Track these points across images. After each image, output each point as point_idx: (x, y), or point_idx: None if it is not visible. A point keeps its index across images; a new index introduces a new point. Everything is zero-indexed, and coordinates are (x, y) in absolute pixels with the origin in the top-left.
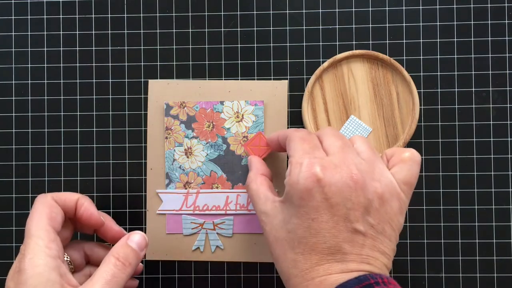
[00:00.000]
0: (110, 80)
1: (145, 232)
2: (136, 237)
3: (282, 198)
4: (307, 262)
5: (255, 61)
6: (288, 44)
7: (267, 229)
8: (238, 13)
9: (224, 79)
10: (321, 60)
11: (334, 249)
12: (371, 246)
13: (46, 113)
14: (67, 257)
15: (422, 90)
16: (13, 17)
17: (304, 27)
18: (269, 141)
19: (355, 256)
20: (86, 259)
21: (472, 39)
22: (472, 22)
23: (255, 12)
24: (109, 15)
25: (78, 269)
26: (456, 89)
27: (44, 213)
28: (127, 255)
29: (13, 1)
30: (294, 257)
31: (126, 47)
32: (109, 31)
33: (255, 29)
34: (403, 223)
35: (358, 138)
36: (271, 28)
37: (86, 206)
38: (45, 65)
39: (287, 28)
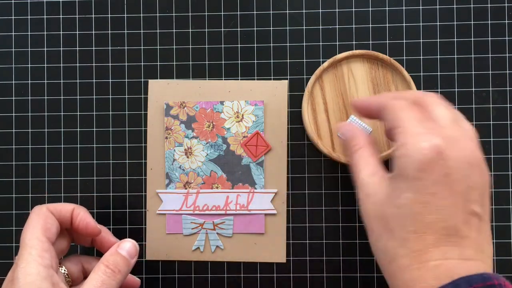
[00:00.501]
0: (110, 80)
1: (145, 232)
2: (126, 245)
3: (391, 174)
4: (421, 242)
5: (255, 61)
6: (288, 44)
7: (369, 203)
8: (238, 13)
9: (224, 79)
10: (321, 60)
11: (452, 230)
12: (485, 232)
13: (46, 113)
14: (64, 270)
15: (422, 90)
16: (13, 17)
17: (304, 27)
18: (361, 105)
19: (472, 241)
20: (84, 273)
21: (472, 39)
22: (472, 22)
23: (255, 12)
24: (109, 15)
25: (76, 282)
26: (456, 89)
27: (39, 224)
28: (117, 262)
29: (13, 1)
30: (405, 235)
31: (126, 47)
32: (109, 31)
33: (255, 29)
34: None
35: (457, 112)
36: (271, 28)
37: (82, 215)
38: (45, 65)
39: (287, 28)
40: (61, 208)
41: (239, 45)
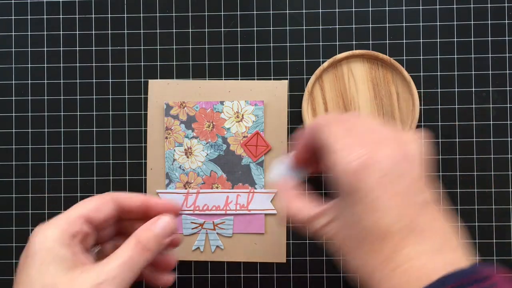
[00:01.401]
0: (110, 80)
1: None
2: (161, 223)
3: (337, 198)
4: (383, 250)
5: (255, 61)
6: (288, 44)
7: (334, 236)
8: (238, 13)
9: (224, 79)
10: (321, 60)
11: (410, 227)
12: (444, 218)
13: (46, 113)
14: (97, 248)
15: (422, 90)
16: (13, 17)
17: (304, 27)
18: (298, 156)
19: (435, 231)
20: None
21: (472, 39)
22: (472, 22)
23: (255, 12)
24: (109, 15)
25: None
26: (456, 89)
27: (90, 205)
28: (149, 240)
29: (13, 1)
30: (368, 248)
31: (126, 47)
32: (109, 31)
33: (255, 29)
34: None
35: (369, 119)
36: (271, 28)
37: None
38: (45, 65)
39: (287, 28)
40: (130, 200)
41: (239, 45)
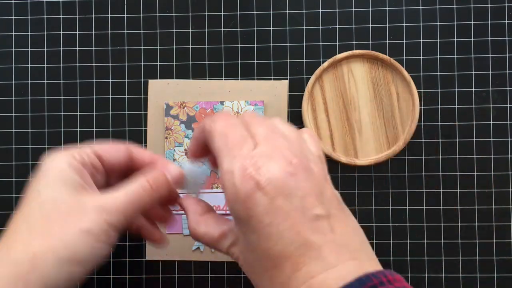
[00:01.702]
0: (110, 80)
1: None
2: (173, 171)
3: (233, 222)
4: (282, 273)
5: (255, 61)
6: (288, 44)
7: (240, 261)
8: (238, 13)
9: (224, 79)
10: (321, 60)
11: (305, 247)
12: (343, 227)
13: (46, 113)
14: None
15: (422, 90)
16: (13, 17)
17: (304, 27)
18: (193, 150)
19: (331, 245)
20: None
21: (472, 39)
22: (472, 22)
23: (255, 12)
24: (109, 15)
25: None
26: (456, 89)
27: (104, 147)
28: (159, 182)
29: (13, 1)
30: (268, 274)
31: (126, 47)
32: (109, 31)
33: (255, 29)
34: None
35: (275, 119)
36: (271, 28)
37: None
38: (45, 65)
39: (287, 28)
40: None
41: (239, 45)
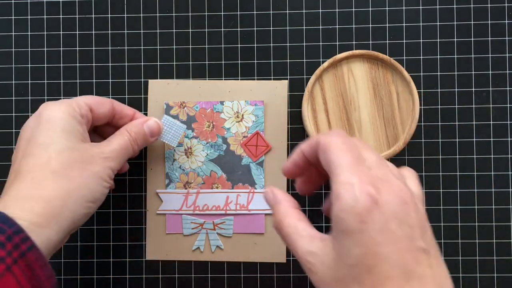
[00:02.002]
0: (110, 80)
1: (145, 232)
2: (151, 124)
3: (333, 232)
4: None
5: (255, 61)
6: (288, 44)
7: (318, 271)
8: (238, 13)
9: (224, 79)
10: (321, 60)
11: (409, 274)
12: (438, 266)
13: None
14: None
15: (422, 90)
16: (13, 17)
17: (304, 27)
18: (293, 162)
19: (430, 281)
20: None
21: (472, 39)
22: (472, 22)
23: (255, 12)
24: (109, 15)
25: None
26: (456, 89)
27: (95, 99)
28: (138, 134)
29: (13, 1)
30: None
31: (126, 47)
32: (109, 31)
33: (255, 29)
34: None
35: (372, 150)
36: (271, 28)
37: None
38: (45, 65)
39: (287, 28)
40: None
41: (239, 45)
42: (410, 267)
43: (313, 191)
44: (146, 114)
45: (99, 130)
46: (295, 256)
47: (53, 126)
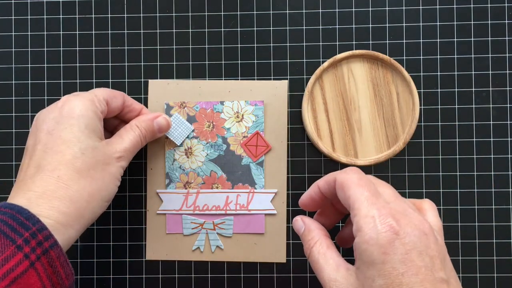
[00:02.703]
0: (110, 80)
1: (145, 232)
2: (161, 121)
3: (356, 263)
4: None
5: (255, 61)
6: (288, 44)
7: None
8: (238, 13)
9: (224, 79)
10: (321, 60)
11: None
12: None
13: None
14: None
15: (422, 90)
16: (13, 17)
17: (304, 27)
18: (309, 196)
19: None
20: None
21: (472, 39)
22: (472, 22)
23: (255, 12)
24: (109, 15)
25: None
26: (456, 89)
27: (112, 93)
28: (148, 131)
29: (13, 1)
30: None
31: (126, 47)
32: (109, 31)
33: (255, 29)
34: None
35: (389, 187)
36: (271, 28)
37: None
38: (45, 65)
39: (287, 28)
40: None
41: (239, 45)
42: None
43: (330, 226)
44: None
45: (105, 122)
46: (321, 283)
47: (78, 123)
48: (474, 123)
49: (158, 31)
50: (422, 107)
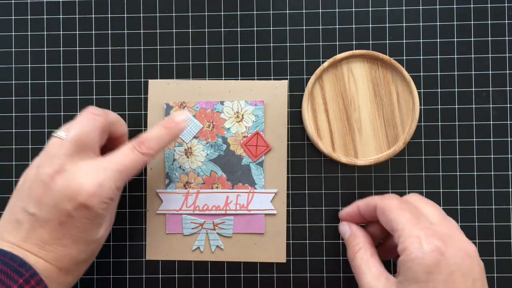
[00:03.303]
0: (110, 80)
1: (145, 232)
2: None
3: (399, 277)
4: None
5: (255, 61)
6: (288, 44)
7: None
8: (238, 13)
9: (224, 79)
10: (321, 60)
11: None
12: None
13: (46, 113)
14: None
15: (422, 90)
16: (13, 17)
17: (304, 27)
18: (348, 214)
19: None
20: None
21: (472, 39)
22: (472, 22)
23: (255, 12)
24: (109, 15)
25: None
26: (456, 89)
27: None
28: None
29: (13, 1)
30: None
31: (126, 47)
32: (109, 31)
33: (255, 29)
34: None
35: (435, 207)
36: (271, 28)
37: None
38: (45, 65)
39: (287, 28)
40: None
41: (239, 45)
42: None
43: (374, 240)
44: (145, 114)
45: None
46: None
47: (90, 141)
48: (474, 123)
49: (158, 31)
50: (422, 107)
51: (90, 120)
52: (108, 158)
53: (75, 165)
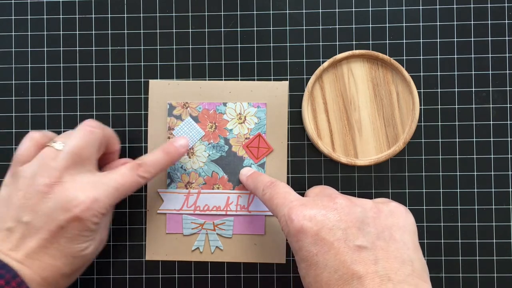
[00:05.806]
0: (110, 80)
1: (145, 232)
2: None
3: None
4: None
5: (255, 61)
6: (288, 44)
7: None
8: (238, 13)
9: (224, 79)
10: (321, 60)
11: (348, 275)
12: (385, 258)
13: (46, 113)
14: None
15: (422, 90)
16: (13, 17)
17: (304, 27)
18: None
19: (372, 275)
20: None
21: (472, 39)
22: (472, 22)
23: (255, 12)
24: (109, 15)
25: None
26: (456, 89)
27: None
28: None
29: (13, 1)
30: None
31: (126, 47)
32: (109, 31)
33: (255, 29)
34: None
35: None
36: (271, 28)
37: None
38: (45, 65)
39: (287, 28)
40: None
41: (239, 45)
42: (349, 268)
43: None
44: (145, 114)
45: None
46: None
47: (89, 154)
48: (474, 123)
49: (158, 31)
50: (422, 107)
51: (88, 134)
52: (107, 174)
53: (72, 177)
